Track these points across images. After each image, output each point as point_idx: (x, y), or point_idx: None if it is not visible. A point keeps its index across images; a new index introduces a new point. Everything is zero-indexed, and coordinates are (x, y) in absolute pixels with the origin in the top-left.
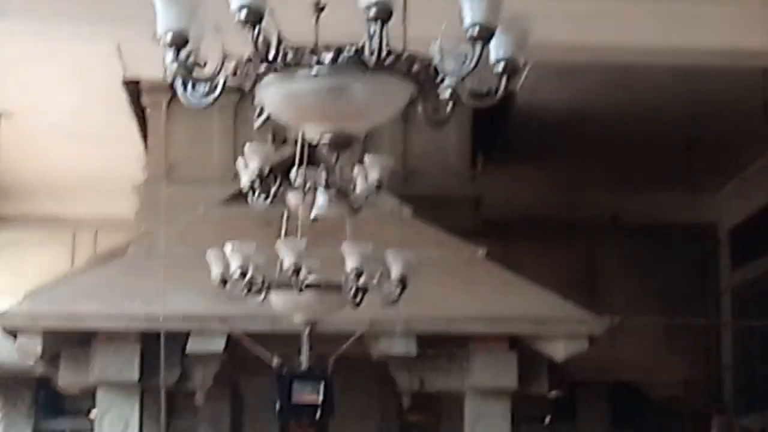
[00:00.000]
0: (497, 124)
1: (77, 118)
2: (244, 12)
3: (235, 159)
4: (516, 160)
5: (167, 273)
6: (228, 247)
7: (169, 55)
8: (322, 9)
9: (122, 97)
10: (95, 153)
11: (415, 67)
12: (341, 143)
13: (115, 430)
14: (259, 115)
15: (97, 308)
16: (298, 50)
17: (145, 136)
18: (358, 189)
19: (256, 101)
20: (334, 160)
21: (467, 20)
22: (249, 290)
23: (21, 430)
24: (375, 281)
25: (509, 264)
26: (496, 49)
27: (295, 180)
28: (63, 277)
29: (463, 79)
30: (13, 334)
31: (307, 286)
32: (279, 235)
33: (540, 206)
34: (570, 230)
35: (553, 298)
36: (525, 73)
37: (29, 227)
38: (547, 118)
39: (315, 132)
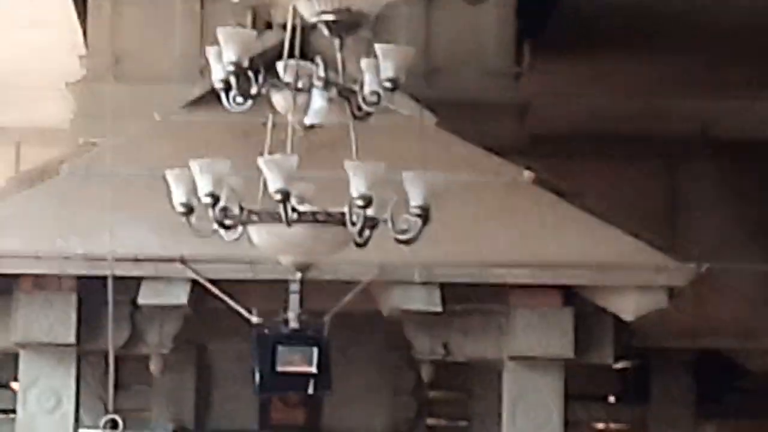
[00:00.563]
0: (549, 3)
1: None
2: None
3: (203, 49)
4: (573, 55)
5: (113, 200)
6: (194, 166)
7: None
8: None
9: None
10: (17, 41)
11: None
12: (345, 24)
13: (45, 405)
14: None
15: (19, 246)
16: None
17: (83, 18)
18: (366, 89)
19: None
20: (335, 48)
21: None
22: (221, 223)
23: None
24: (387, 212)
25: (565, 192)
26: None
27: (282, 76)
28: None
29: None
30: None
31: (298, 217)
32: (261, 150)
33: (605, 116)
34: (645, 147)
35: (621, 237)
36: None
37: None
38: None
39: (311, 9)
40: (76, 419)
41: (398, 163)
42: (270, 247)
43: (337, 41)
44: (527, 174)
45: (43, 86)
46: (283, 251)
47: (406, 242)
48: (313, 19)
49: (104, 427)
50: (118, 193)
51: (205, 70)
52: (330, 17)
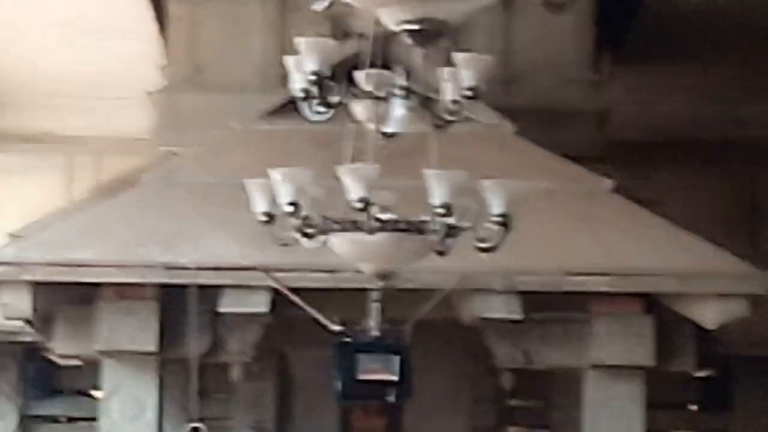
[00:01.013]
0: (629, 12)
1: (75, 6)
2: None
3: (282, 58)
4: (653, 62)
5: (194, 209)
6: (275, 175)
7: None
8: None
9: None
10: (98, 51)
11: None
12: (428, 34)
13: (127, 413)
14: None
15: (101, 255)
16: None
17: (164, 28)
18: (446, 98)
19: None
20: (416, 57)
21: None
22: (302, 232)
23: (4, 414)
24: (468, 221)
25: (644, 199)
26: None
27: (363, 85)
28: (58, 214)
29: None
30: None
31: (380, 226)
32: (341, 160)
33: (685, 122)
34: (726, 154)
35: (701, 244)
36: None
37: (13, 148)
38: (694, 3)
39: (394, 18)
40: (159, 427)
41: (478, 172)
42: (351, 255)
43: (420, 50)
44: (607, 182)
45: (124, 96)
46: (364, 260)
47: (487, 250)
48: (397, 29)
49: None
50: (198, 202)
51: (284, 79)
52: (413, 26)
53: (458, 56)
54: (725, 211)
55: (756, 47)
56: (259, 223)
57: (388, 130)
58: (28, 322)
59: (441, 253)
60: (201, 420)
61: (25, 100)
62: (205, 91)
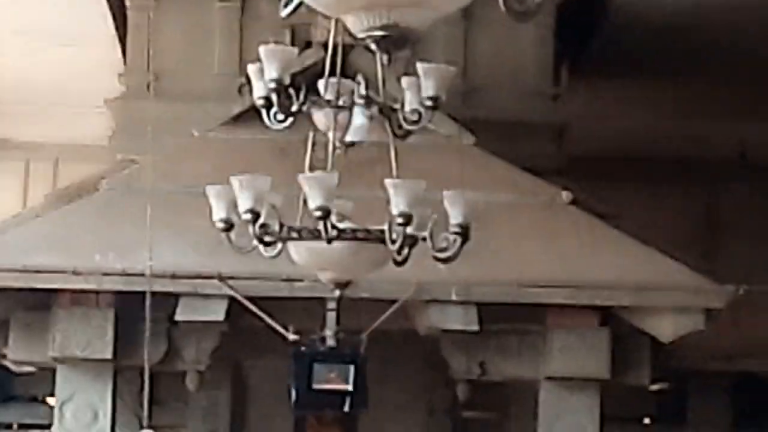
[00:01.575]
0: (589, 26)
1: (34, 13)
2: None
3: (242, 67)
4: (612, 76)
5: (152, 216)
6: (235, 182)
7: None
8: None
9: None
10: (57, 58)
11: None
12: (392, 42)
13: (81, 420)
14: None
15: (58, 261)
16: None
17: (123, 36)
18: (407, 107)
19: None
20: (377, 66)
21: None
22: (261, 240)
23: None
24: (427, 231)
25: (602, 213)
26: None
27: (323, 93)
28: (14, 220)
29: None
30: None
31: (338, 235)
32: (301, 168)
33: (643, 138)
34: (683, 170)
35: (658, 258)
36: None
37: None
38: (655, 19)
39: (360, 25)
40: None
41: (437, 183)
42: (309, 263)
43: (384, 57)
44: (565, 194)
45: (83, 103)
46: (323, 268)
47: (445, 260)
48: (361, 35)
49: None
50: (156, 209)
51: (243, 88)
52: (379, 33)
53: (420, 66)
54: (683, 227)
55: (716, 65)
56: (216, 232)
57: (348, 139)
58: None
59: (399, 263)
60: (154, 428)
61: None
62: (164, 99)
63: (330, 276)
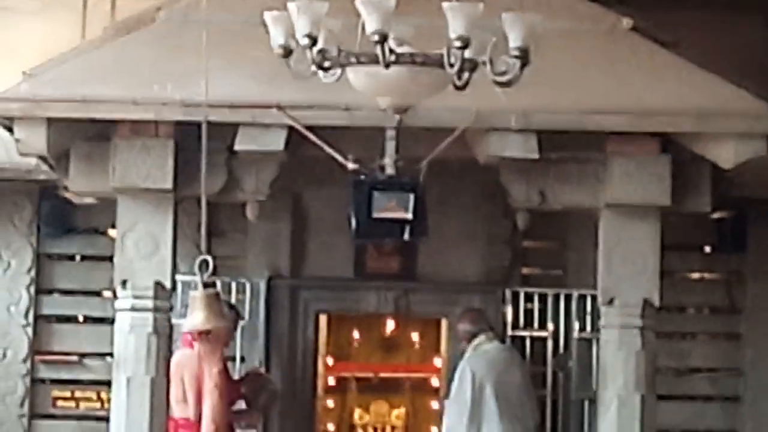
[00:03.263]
0: None
1: None
2: None
3: None
4: None
5: (209, 47)
6: (292, 8)
7: None
8: None
9: None
10: None
11: None
12: None
13: (142, 251)
14: None
15: (117, 92)
16: None
17: None
18: None
19: None
20: None
21: None
22: (319, 65)
23: (19, 251)
24: (486, 54)
25: (662, 40)
26: None
27: None
28: (72, 53)
29: None
30: (9, 126)
31: (396, 59)
32: None
33: None
34: None
35: (720, 84)
36: None
37: None
38: None
39: None
40: (173, 265)
41: (496, 9)
42: (368, 89)
43: None
44: (626, 21)
45: None
46: (382, 93)
47: (505, 84)
48: None
49: (199, 268)
50: (214, 39)
51: None
52: None
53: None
54: (745, 55)
55: None
56: (275, 61)
57: None
58: (43, 159)
59: (459, 88)
60: (214, 258)
61: None
62: None
63: (389, 101)
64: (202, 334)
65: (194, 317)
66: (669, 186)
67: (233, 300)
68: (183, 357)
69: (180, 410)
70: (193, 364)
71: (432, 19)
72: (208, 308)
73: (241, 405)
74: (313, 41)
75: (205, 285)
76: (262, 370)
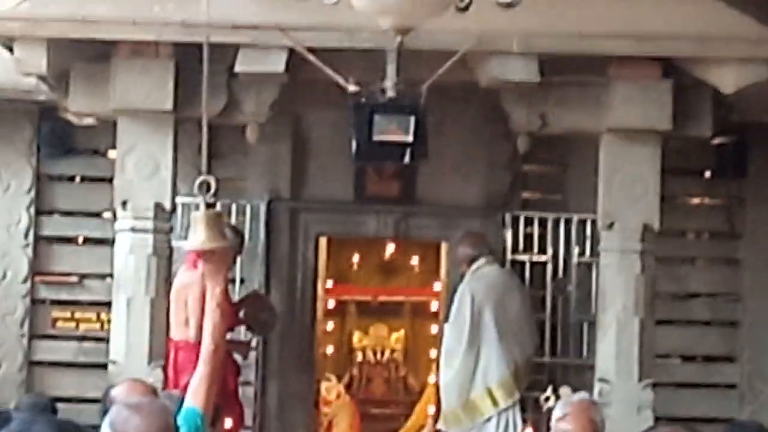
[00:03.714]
0: None
1: None
2: None
3: None
4: None
5: None
6: None
7: None
8: None
9: None
10: None
11: None
12: None
13: (142, 172)
14: None
15: (117, 12)
16: None
17: None
18: None
19: None
20: None
21: None
22: None
23: (18, 172)
24: None
25: None
26: None
27: None
28: None
29: None
30: (9, 45)
31: None
32: None
33: None
34: None
35: (723, 8)
36: None
37: None
38: None
39: None
40: (173, 186)
41: None
42: (370, 9)
43: None
44: None
45: None
46: (383, 14)
47: (508, 6)
48: None
49: (199, 189)
50: None
51: None
52: None
53: None
54: None
55: None
56: None
57: None
58: (43, 79)
59: (461, 9)
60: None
61: None
62: None
63: (391, 22)
64: (206, 254)
65: (196, 237)
66: (670, 110)
67: (233, 222)
68: (187, 278)
69: (180, 333)
70: (198, 285)
71: None
72: (209, 228)
73: (239, 331)
74: None
75: (207, 206)
76: (262, 292)
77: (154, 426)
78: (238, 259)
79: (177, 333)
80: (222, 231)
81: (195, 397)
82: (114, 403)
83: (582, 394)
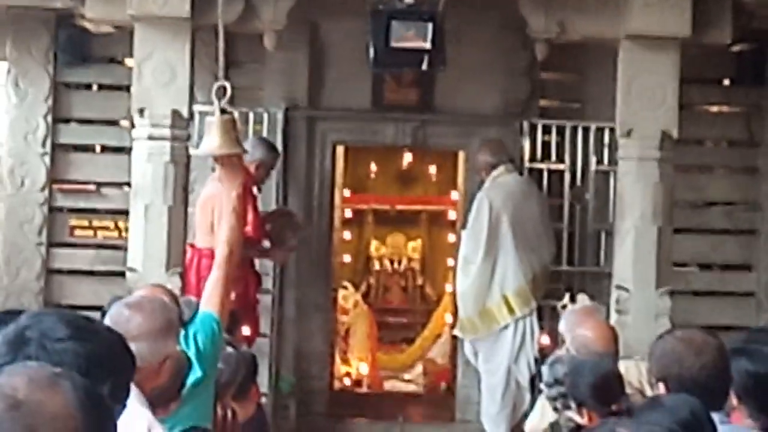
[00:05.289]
0: None
1: None
2: None
3: None
4: None
5: None
6: None
7: None
8: None
9: None
10: None
11: None
12: None
13: (159, 80)
14: None
15: None
16: None
17: None
18: None
19: None
20: None
21: None
22: None
23: (36, 80)
24: None
25: None
26: None
27: None
28: None
29: None
30: None
31: None
32: None
33: None
34: None
35: None
36: None
37: None
38: None
39: None
40: (191, 94)
41: None
42: None
43: None
44: None
45: None
46: None
47: None
48: None
49: (216, 94)
50: None
51: None
52: None
53: None
54: None
55: None
56: None
57: None
58: None
59: None
60: (232, 87)
61: None
62: None
63: None
64: (222, 159)
65: (210, 142)
66: (689, 17)
67: (250, 131)
68: (214, 188)
69: (205, 241)
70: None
71: None
72: (224, 134)
73: (266, 244)
74: None
75: (222, 111)
76: (293, 211)
77: (158, 323)
78: (272, 173)
79: (202, 240)
80: (236, 137)
81: (209, 301)
82: None
83: (584, 301)
